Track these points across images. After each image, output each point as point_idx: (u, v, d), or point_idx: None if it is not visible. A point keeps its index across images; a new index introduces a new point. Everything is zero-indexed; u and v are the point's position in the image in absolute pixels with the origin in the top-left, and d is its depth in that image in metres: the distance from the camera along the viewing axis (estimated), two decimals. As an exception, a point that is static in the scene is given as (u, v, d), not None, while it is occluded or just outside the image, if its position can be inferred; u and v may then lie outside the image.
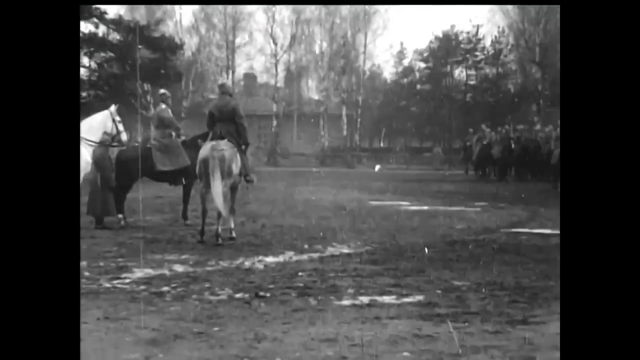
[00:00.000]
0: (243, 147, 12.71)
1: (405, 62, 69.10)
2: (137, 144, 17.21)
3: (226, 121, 12.57)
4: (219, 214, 11.85)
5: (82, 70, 36.86)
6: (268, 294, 8.08)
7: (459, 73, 66.59)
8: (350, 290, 8.31)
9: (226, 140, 12.31)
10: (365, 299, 7.88)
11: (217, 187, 11.75)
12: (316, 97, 66.30)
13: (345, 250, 11.33)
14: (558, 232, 13.74)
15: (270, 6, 61.50)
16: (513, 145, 33.88)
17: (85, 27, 36.33)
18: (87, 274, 9.11)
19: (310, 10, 62.72)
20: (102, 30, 37.91)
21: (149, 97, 17.22)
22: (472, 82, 65.39)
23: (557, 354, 5.92)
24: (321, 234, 13.13)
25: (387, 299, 7.96)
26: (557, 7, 59.42)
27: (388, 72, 71.52)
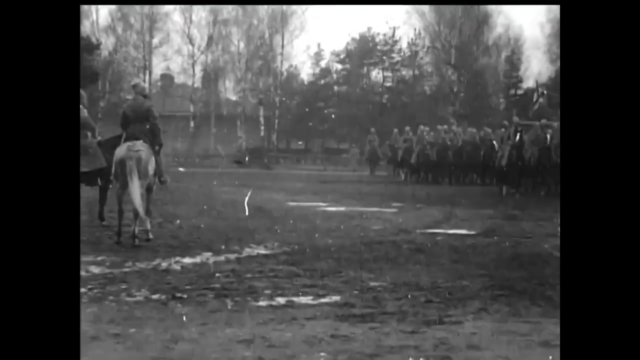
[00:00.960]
0: (157, 147, 12.59)
1: (323, 64, 69.24)
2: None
3: (140, 122, 12.44)
4: (136, 215, 11.72)
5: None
6: (185, 296, 8.03)
7: (376, 74, 67.09)
8: (267, 291, 8.31)
9: (141, 141, 12.18)
10: (282, 300, 7.89)
11: (135, 188, 11.63)
12: (234, 98, 66.02)
13: (263, 251, 11.32)
14: (473, 232, 13.97)
15: (188, 6, 61.06)
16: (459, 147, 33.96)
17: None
18: None
19: (227, 10, 62.42)
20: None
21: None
22: (388, 84, 65.92)
23: (473, 353, 6.03)
24: (238, 235, 13.09)
25: (304, 299, 7.98)
26: (473, 10, 60.54)
27: (305, 73, 71.54)
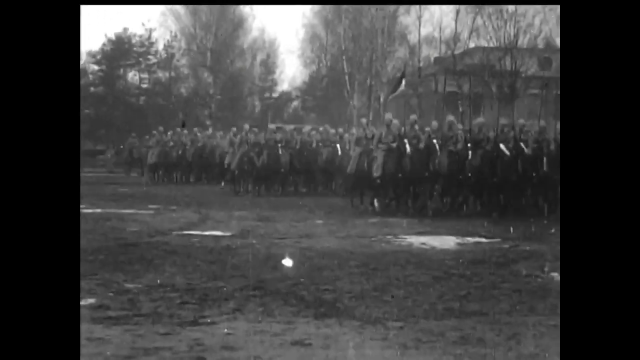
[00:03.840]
0: None
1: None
2: None
3: None
4: None
5: None
6: None
7: (132, 76, 66.08)
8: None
9: None
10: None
11: None
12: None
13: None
14: (229, 233, 14.12)
15: None
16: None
17: None
18: None
19: None
20: None
21: None
22: (145, 86, 65.12)
23: (227, 354, 6.13)
24: None
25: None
26: (229, 13, 61.00)
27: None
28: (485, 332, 6.94)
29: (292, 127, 27.95)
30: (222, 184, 29.55)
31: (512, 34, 50.66)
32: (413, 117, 21.46)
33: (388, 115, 21.23)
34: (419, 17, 52.93)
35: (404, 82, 22.17)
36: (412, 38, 53.79)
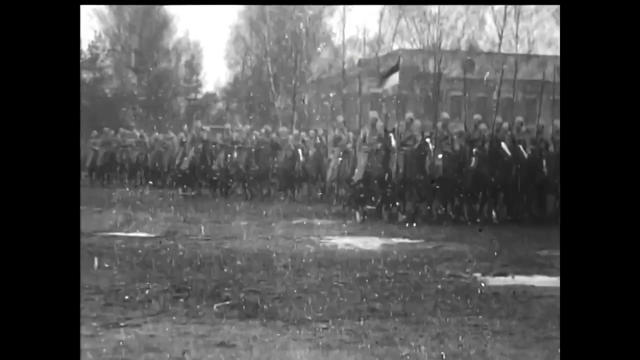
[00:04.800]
0: None
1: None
2: None
3: None
4: None
5: None
6: None
7: (55, 77, 65.08)
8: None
9: None
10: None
11: None
12: None
13: None
14: (153, 235, 14.03)
15: None
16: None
17: None
18: None
19: None
20: None
21: None
22: (69, 86, 64.19)
23: (151, 355, 6.12)
24: None
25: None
26: (153, 14, 60.51)
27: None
28: (409, 333, 7.03)
29: (248, 127, 26.49)
30: (175, 185, 27.84)
31: (435, 36, 51.33)
32: (409, 115, 19.61)
33: (373, 114, 19.29)
34: (343, 19, 53.33)
35: (397, 75, 19.41)
36: (337, 40, 54.14)
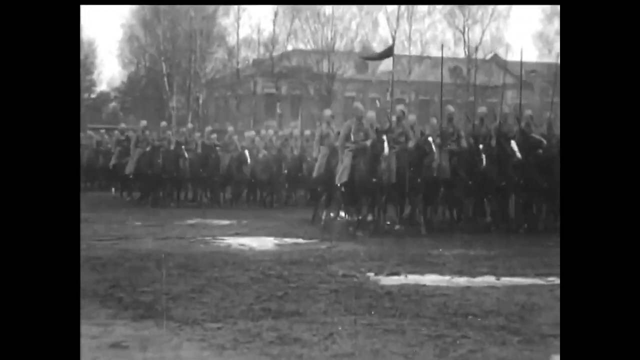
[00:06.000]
0: None
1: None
2: None
3: None
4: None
5: None
6: None
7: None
8: None
9: None
10: None
11: None
12: None
13: None
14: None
15: None
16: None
17: None
18: None
19: None
20: None
21: None
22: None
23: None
24: None
25: None
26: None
27: None
28: (302, 332, 7.08)
29: (190, 126, 25.37)
30: (113, 190, 26.35)
31: (329, 37, 51.63)
32: (400, 107, 17.33)
33: (358, 105, 16.76)
34: (238, 19, 53.13)
35: (391, 61, 17.27)
36: (231, 40, 53.91)
